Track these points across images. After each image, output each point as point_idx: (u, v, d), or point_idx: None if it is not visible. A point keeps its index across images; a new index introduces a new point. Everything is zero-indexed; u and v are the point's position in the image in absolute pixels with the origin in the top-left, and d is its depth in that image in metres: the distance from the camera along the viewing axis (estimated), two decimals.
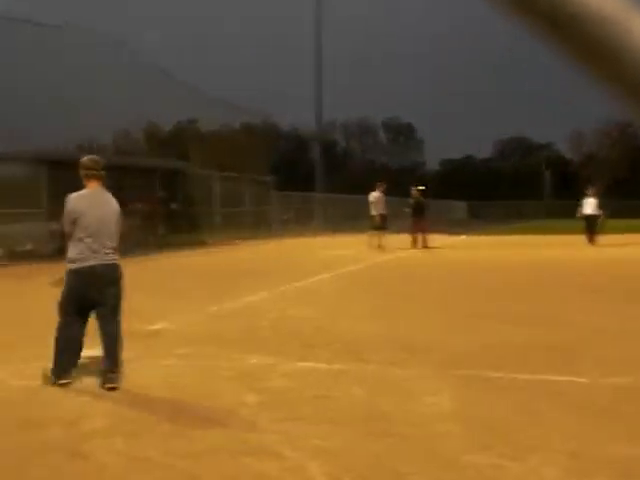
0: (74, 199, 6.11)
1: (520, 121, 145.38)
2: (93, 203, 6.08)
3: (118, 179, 23.90)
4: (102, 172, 6.19)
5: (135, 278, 15.21)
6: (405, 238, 23.71)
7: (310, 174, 46.98)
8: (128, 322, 8.93)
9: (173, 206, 26.28)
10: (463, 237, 32.06)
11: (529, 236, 30.88)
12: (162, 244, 24.62)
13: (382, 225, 23.09)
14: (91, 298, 6.00)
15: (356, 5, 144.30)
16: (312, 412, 5.11)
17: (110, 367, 5.91)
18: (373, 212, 23.19)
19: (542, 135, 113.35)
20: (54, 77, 27.06)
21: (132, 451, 4.32)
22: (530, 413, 5.01)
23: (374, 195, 23.54)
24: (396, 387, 5.77)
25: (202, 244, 25.82)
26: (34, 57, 26.40)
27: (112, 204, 6.25)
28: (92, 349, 7.32)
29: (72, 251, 5.98)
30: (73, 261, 5.97)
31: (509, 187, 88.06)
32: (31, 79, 26.01)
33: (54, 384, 5.87)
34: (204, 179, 29.33)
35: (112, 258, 6.06)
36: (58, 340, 6.03)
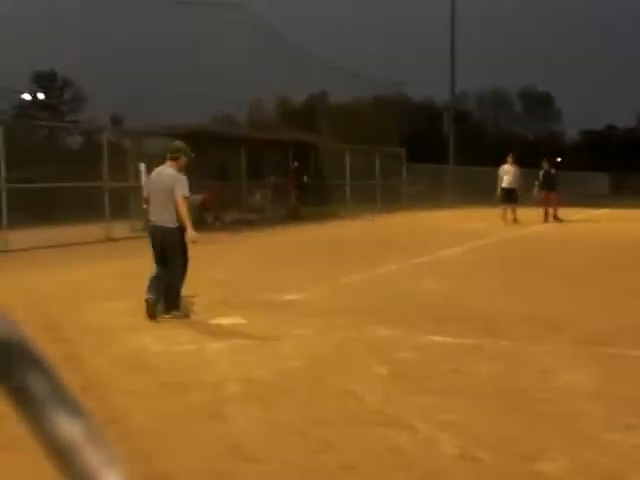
0: (150, 175, 8.02)
1: None
2: (155, 178, 7.74)
3: (253, 152, 24.56)
4: (175, 154, 7.69)
5: (269, 249, 15.64)
6: (540, 211, 22.97)
7: (443, 146, 46.25)
8: (264, 292, 9.21)
9: (305, 179, 26.62)
10: (604, 210, 30.68)
11: None
12: (294, 217, 25.06)
13: (512, 198, 22.43)
14: (158, 248, 7.60)
15: None
16: (444, 385, 5.08)
17: (160, 301, 7.50)
18: (503, 184, 22.58)
19: None
20: (193, 54, 28.00)
21: (269, 416, 4.45)
22: None
23: (504, 167, 22.91)
24: (531, 363, 5.64)
25: (334, 217, 26.07)
26: (176, 35, 27.39)
27: (167, 180, 7.54)
28: (231, 317, 7.60)
29: (149, 213, 7.83)
30: (148, 220, 7.93)
31: None
32: (169, 58, 27.03)
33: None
34: (336, 152, 29.47)
35: (167, 221, 7.48)
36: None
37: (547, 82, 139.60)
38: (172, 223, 7.46)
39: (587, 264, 12.32)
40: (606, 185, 73.20)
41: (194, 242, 7.53)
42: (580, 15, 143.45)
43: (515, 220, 22.09)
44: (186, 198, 7.50)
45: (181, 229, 7.47)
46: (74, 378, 5.36)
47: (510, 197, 22.41)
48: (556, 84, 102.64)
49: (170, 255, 7.54)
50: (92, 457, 0.53)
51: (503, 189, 22.53)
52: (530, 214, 22.38)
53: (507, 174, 22.65)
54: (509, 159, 22.94)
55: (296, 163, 25.84)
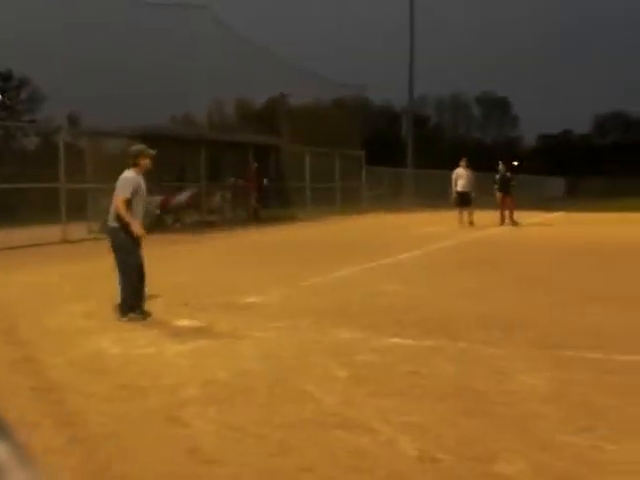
0: None
1: (620, 95, 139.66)
2: None
3: (213, 153, 24.43)
4: (135, 160, 7.68)
5: (229, 252, 15.57)
6: (496, 215, 23.30)
7: (402, 149, 46.54)
8: (224, 294, 9.18)
9: (265, 181, 26.59)
10: (560, 213, 31.20)
11: (631, 213, 29.64)
12: (254, 219, 25.00)
13: (466, 201, 22.70)
14: None
15: None
16: (403, 388, 5.11)
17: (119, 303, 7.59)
18: (457, 188, 22.86)
19: None
20: (149, 53, 27.75)
21: (226, 419, 4.43)
22: (629, 395, 4.87)
23: (458, 171, 23.20)
24: (489, 365, 5.70)
25: (293, 219, 26.07)
26: (129, 34, 27.12)
27: (117, 183, 7.62)
28: (191, 319, 7.56)
29: None
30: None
31: (609, 163, 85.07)
32: (127, 57, 26.76)
33: None
34: (296, 155, 29.48)
35: (111, 220, 7.63)
36: None
37: (507, 87, 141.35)
38: (113, 222, 7.58)
39: (543, 266, 12.50)
40: (561, 189, 74.53)
41: (141, 236, 7.51)
42: (542, 22, 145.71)
43: (471, 223, 22.38)
44: (127, 199, 7.43)
45: (123, 228, 7.44)
46: (32, 381, 5.28)
47: (464, 200, 22.70)
48: (515, 89, 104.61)
49: (115, 254, 7.62)
50: (17, 477, 0.52)
51: (458, 193, 22.83)
52: (487, 217, 22.66)
53: (461, 178, 22.97)
54: (462, 163, 23.27)
55: (256, 164, 25.79)
